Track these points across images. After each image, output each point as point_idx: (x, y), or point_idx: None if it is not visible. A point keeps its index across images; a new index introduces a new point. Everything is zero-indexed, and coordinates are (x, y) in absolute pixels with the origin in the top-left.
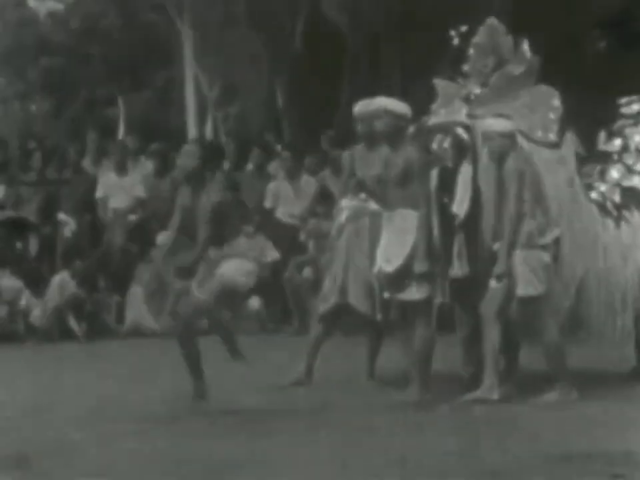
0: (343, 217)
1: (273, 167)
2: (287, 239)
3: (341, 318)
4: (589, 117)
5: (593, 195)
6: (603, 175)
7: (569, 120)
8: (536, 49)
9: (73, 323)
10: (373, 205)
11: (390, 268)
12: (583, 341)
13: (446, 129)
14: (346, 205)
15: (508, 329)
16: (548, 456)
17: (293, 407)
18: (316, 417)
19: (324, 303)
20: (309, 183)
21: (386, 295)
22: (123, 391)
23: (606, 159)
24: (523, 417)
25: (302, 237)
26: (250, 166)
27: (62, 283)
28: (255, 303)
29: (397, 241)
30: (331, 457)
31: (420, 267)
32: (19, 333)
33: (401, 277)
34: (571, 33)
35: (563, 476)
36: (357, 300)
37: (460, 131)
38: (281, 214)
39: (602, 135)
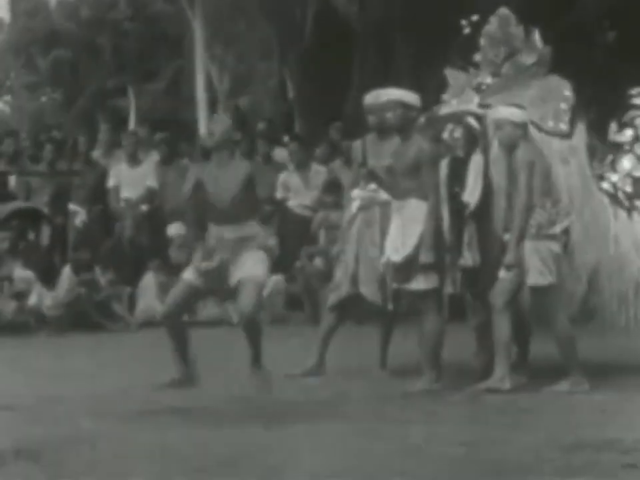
0: (353, 207)
1: (278, 155)
2: (298, 229)
3: (352, 308)
4: (600, 107)
5: (605, 185)
6: (614, 166)
7: (580, 110)
8: (547, 39)
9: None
10: (383, 195)
11: (397, 258)
12: (595, 331)
13: (457, 118)
14: (357, 195)
15: (519, 319)
16: (560, 445)
17: (304, 396)
18: (328, 406)
19: (335, 293)
20: (318, 173)
21: (394, 285)
22: (134, 381)
23: (617, 149)
24: (535, 406)
25: (313, 227)
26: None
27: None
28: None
29: (405, 231)
30: (342, 446)
31: (426, 257)
32: (30, 324)
33: (408, 267)
34: (581, 23)
35: (575, 465)
36: (368, 290)
37: (471, 121)
38: (293, 205)
39: (613, 126)
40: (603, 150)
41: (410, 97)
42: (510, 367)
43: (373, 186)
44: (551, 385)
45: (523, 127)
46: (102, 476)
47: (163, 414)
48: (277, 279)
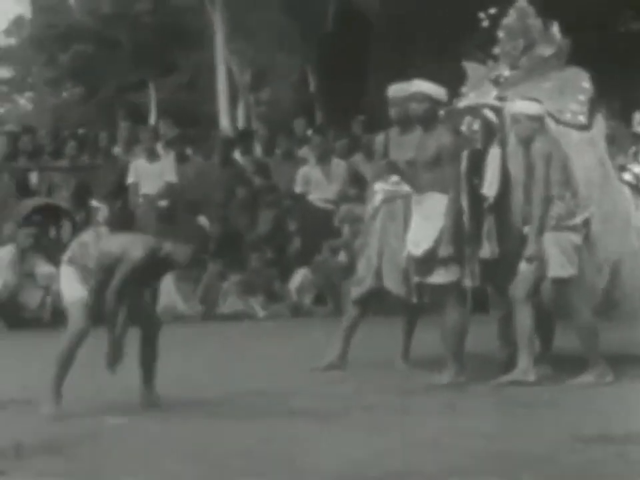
0: (376, 200)
1: (304, 151)
2: (320, 223)
3: (376, 301)
4: (623, 98)
5: (627, 176)
6: (637, 157)
7: (601, 101)
8: (567, 30)
9: None
10: (406, 188)
11: (418, 251)
12: (617, 323)
13: (475, 111)
14: (380, 188)
15: (542, 311)
16: (584, 438)
17: (327, 389)
18: (350, 400)
19: (359, 287)
20: (339, 167)
21: (415, 278)
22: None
23: None
24: (559, 398)
25: (336, 221)
26: (278, 151)
27: None
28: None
29: (425, 225)
30: (365, 440)
31: (445, 250)
32: (46, 319)
33: (429, 260)
34: (603, 14)
35: (599, 458)
36: (391, 283)
37: (489, 114)
38: (314, 199)
39: (637, 116)
40: (623, 140)
41: (437, 89)
42: (533, 359)
43: (395, 178)
44: (575, 376)
45: (539, 120)
46: (126, 469)
47: (175, 405)
48: (304, 272)
